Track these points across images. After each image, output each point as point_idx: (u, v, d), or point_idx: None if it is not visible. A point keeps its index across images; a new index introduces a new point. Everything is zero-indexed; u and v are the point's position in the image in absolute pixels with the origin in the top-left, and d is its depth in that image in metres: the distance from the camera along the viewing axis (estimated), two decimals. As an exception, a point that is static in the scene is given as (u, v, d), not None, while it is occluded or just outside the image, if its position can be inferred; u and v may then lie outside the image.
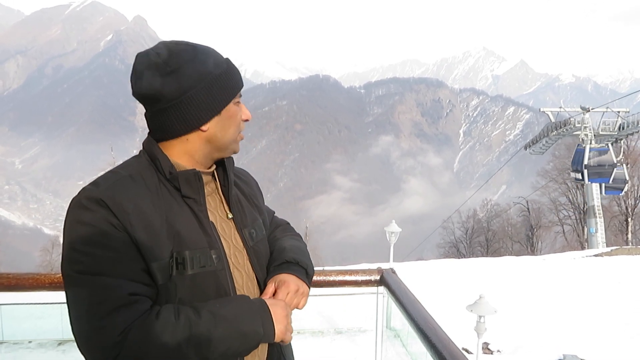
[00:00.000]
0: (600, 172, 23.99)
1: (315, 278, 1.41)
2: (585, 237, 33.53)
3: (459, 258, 33.25)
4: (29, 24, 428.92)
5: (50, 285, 1.41)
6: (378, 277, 1.44)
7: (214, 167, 1.29)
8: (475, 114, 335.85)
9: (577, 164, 26.74)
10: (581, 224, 36.80)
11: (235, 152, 1.28)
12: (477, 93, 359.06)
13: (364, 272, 1.46)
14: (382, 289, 1.46)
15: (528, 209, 41.60)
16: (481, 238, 43.73)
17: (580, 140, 28.14)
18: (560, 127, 30.95)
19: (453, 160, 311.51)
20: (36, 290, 1.46)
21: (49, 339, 11.81)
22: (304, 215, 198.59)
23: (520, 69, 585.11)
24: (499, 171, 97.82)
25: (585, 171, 23.84)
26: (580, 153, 26.33)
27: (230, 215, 1.26)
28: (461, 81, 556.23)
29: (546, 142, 34.58)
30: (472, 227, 44.51)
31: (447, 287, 18.00)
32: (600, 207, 30.34)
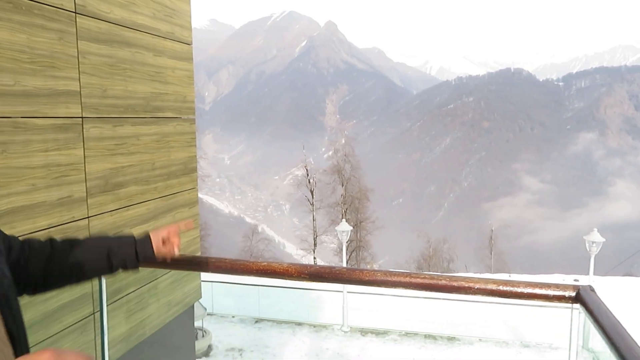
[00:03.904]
0: None
1: (500, 288, 1.35)
2: None
3: (681, 278, 28.01)
4: (238, 36, 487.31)
5: (257, 272, 1.59)
6: (573, 294, 1.29)
7: None
8: None
9: None
10: None
11: None
12: None
13: (557, 286, 1.33)
14: (577, 306, 1.32)
15: None
16: None
17: None
18: None
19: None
20: (245, 275, 1.66)
21: (247, 316, 13.31)
22: (485, 218, 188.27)
23: None
24: None
25: None
26: None
27: None
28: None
29: None
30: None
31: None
32: None
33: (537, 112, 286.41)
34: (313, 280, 1.56)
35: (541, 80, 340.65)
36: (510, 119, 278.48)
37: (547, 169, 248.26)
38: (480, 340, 12.46)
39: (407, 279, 1.41)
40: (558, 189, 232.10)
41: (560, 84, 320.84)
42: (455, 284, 1.36)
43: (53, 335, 2.89)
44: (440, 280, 1.38)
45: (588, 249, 11.10)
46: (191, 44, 4.48)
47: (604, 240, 10.91)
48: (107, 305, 3.29)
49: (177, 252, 1.67)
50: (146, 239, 1.64)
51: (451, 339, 12.57)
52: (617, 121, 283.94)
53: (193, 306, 4.90)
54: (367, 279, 1.45)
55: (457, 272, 26.13)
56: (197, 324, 11.18)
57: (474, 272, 23.85)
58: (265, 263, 1.59)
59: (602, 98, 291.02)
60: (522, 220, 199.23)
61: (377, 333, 12.87)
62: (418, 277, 1.42)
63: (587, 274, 22.22)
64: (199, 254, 4.81)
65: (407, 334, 12.81)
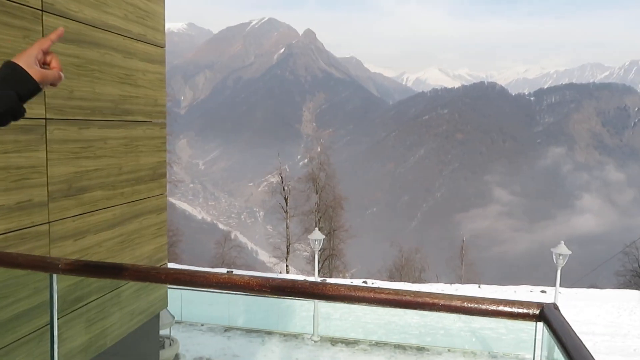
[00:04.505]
0: None
1: (465, 304, 1.33)
2: None
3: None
4: (216, 41, 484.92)
5: (218, 285, 1.54)
6: (537, 312, 1.30)
7: None
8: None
9: None
10: None
11: None
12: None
13: (521, 304, 1.33)
14: (541, 325, 1.32)
15: None
16: (675, 269, 37.57)
17: None
18: None
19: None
20: (205, 288, 1.60)
21: (217, 324, 13.10)
22: (457, 228, 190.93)
23: None
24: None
25: None
26: None
27: None
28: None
29: None
30: (663, 256, 38.44)
31: (630, 322, 15.74)
32: None
33: (509, 125, 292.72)
34: (275, 295, 1.51)
35: (513, 94, 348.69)
36: (483, 132, 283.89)
37: (518, 181, 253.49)
38: (448, 350, 12.54)
39: (371, 295, 1.38)
40: (527, 201, 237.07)
41: (532, 98, 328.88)
42: (419, 300, 1.34)
43: (5, 346, 2.75)
44: (405, 296, 1.35)
45: (555, 261, 11.32)
46: (164, 47, 4.40)
47: (570, 252, 11.16)
48: (65, 315, 3.17)
49: (61, 74, 1.29)
50: (15, 67, 1.21)
51: (420, 349, 12.62)
52: (585, 136, 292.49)
53: (158, 315, 4.78)
54: (330, 293, 1.41)
55: (429, 282, 26.38)
56: (164, 332, 10.94)
57: (445, 283, 24.11)
58: (226, 276, 1.54)
59: (571, 114, 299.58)
60: (492, 232, 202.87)
61: (347, 343, 12.83)
62: (382, 293, 1.39)
63: (554, 285, 22.71)
64: (165, 262, 4.70)
65: (377, 343, 12.81)
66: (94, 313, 3.57)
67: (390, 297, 1.36)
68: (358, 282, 22.03)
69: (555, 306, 1.32)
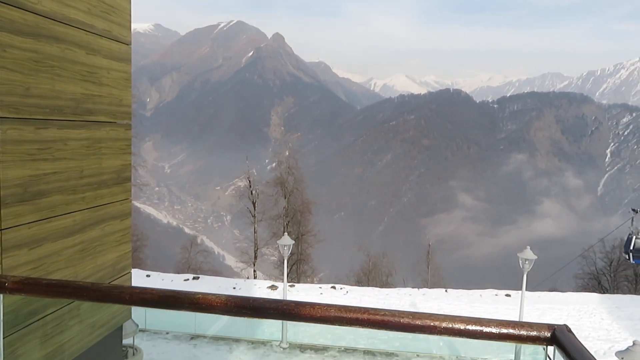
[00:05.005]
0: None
1: (468, 327, 1.20)
2: None
3: (601, 292, 29.87)
4: (183, 43, 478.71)
5: (190, 305, 1.38)
6: (549, 335, 1.25)
7: None
8: (626, 133, 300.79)
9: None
10: None
11: None
12: (629, 109, 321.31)
13: (530, 326, 1.26)
14: (552, 348, 1.25)
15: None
16: (629, 272, 39.06)
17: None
18: None
19: (596, 183, 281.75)
20: (175, 309, 1.44)
21: (183, 332, 12.72)
22: (423, 232, 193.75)
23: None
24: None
25: (631, 254, 22.50)
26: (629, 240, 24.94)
27: None
28: (611, 96, 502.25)
29: None
30: (618, 259, 39.85)
31: (591, 324, 16.16)
32: None
33: (473, 132, 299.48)
34: (256, 317, 1.36)
35: (478, 101, 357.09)
36: (449, 138, 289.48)
37: (481, 186, 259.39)
38: (417, 355, 12.57)
39: (365, 316, 1.24)
40: (490, 206, 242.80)
41: (495, 106, 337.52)
42: (419, 322, 1.21)
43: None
44: (402, 317, 1.22)
45: (521, 266, 11.51)
46: (130, 44, 4.18)
47: (536, 257, 11.36)
48: (18, 330, 2.93)
49: None
50: None
51: (389, 354, 12.60)
52: (546, 144, 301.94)
53: (121, 327, 4.54)
54: (319, 315, 1.27)
55: (397, 287, 26.54)
56: (127, 341, 10.54)
57: (412, 287, 24.31)
58: (200, 295, 1.37)
59: (532, 121, 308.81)
60: (457, 236, 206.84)
61: (317, 349, 12.70)
62: (377, 314, 1.25)
63: (517, 288, 23.19)
64: (129, 271, 4.46)
65: (346, 349, 12.72)
66: (51, 327, 3.32)
67: (387, 318, 1.22)
68: (326, 287, 21.93)
69: (567, 328, 1.23)
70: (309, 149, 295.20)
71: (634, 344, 4.42)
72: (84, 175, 3.64)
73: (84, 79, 3.56)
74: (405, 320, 1.21)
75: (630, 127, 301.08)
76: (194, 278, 23.49)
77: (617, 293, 31.85)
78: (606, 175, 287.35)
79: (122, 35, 4.04)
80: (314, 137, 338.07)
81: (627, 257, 24.99)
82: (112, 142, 4.00)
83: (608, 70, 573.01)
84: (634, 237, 19.66)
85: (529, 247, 11.64)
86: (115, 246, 4.19)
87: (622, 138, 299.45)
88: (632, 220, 22.48)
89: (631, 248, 19.69)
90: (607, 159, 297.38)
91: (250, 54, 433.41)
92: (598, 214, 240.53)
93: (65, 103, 3.36)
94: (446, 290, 21.72)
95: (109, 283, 4.41)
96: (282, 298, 15.95)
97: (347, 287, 22.37)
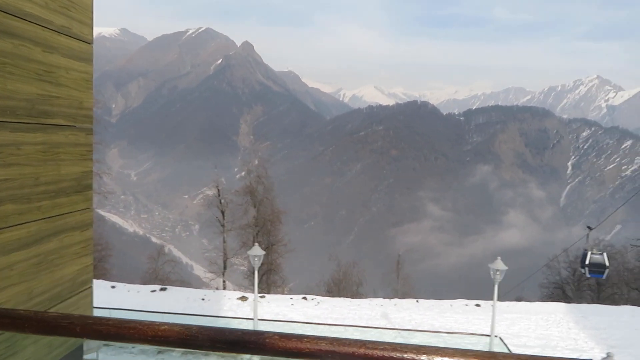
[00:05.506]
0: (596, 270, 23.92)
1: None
2: None
3: (566, 301, 30.52)
4: (150, 48, 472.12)
5: (155, 339, 1.24)
6: None
7: None
8: (586, 146, 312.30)
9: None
10: None
11: None
12: (588, 124, 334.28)
13: None
14: None
15: (649, 253, 37.35)
16: (591, 281, 40.03)
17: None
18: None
19: (559, 195, 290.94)
20: (138, 343, 1.24)
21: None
22: (392, 242, 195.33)
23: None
24: (614, 209, 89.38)
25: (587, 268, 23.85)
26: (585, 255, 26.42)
27: None
28: (571, 111, 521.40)
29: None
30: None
31: (559, 334, 16.35)
32: None
33: (440, 143, 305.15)
34: (232, 352, 1.16)
35: (445, 114, 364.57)
36: (417, 149, 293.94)
37: (449, 197, 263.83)
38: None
39: (362, 350, 1.13)
40: (457, 216, 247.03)
41: (461, 118, 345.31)
42: (424, 357, 1.12)
43: None
44: (406, 352, 1.11)
45: (492, 277, 11.56)
46: (91, 42, 3.91)
47: (506, 268, 11.44)
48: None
49: None
50: None
51: None
52: (510, 156, 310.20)
53: (82, 345, 4.22)
54: (307, 349, 1.11)
55: (367, 297, 26.43)
56: (91, 356, 10.04)
57: (384, 297, 24.24)
58: (166, 327, 1.14)
59: (497, 134, 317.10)
60: (425, 246, 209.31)
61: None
62: (376, 348, 1.11)
63: (484, 298, 23.43)
64: (90, 285, 4.15)
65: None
66: (2, 349, 3.01)
67: (388, 354, 1.09)
68: (297, 297, 21.61)
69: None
70: (279, 158, 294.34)
71: (607, 355, 4.35)
72: (40, 183, 3.35)
73: (40, 79, 3.28)
74: (410, 355, 1.12)
75: (590, 141, 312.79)
76: (161, 289, 22.80)
77: (581, 301, 32.62)
78: (568, 187, 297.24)
79: (83, 33, 3.77)
80: (283, 146, 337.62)
81: (584, 272, 26.07)
82: (71, 147, 3.72)
83: (568, 86, 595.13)
84: (589, 252, 20.39)
85: (499, 257, 11.71)
86: (75, 259, 3.88)
87: (582, 151, 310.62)
88: (587, 236, 23.35)
89: (587, 263, 20.48)
90: (568, 171, 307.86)
91: (219, 61, 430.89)
92: (561, 224, 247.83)
93: (18, 104, 3.07)
94: (417, 301, 21.72)
95: (68, 299, 4.09)
96: (252, 309, 15.56)
97: (319, 298, 22.10)
